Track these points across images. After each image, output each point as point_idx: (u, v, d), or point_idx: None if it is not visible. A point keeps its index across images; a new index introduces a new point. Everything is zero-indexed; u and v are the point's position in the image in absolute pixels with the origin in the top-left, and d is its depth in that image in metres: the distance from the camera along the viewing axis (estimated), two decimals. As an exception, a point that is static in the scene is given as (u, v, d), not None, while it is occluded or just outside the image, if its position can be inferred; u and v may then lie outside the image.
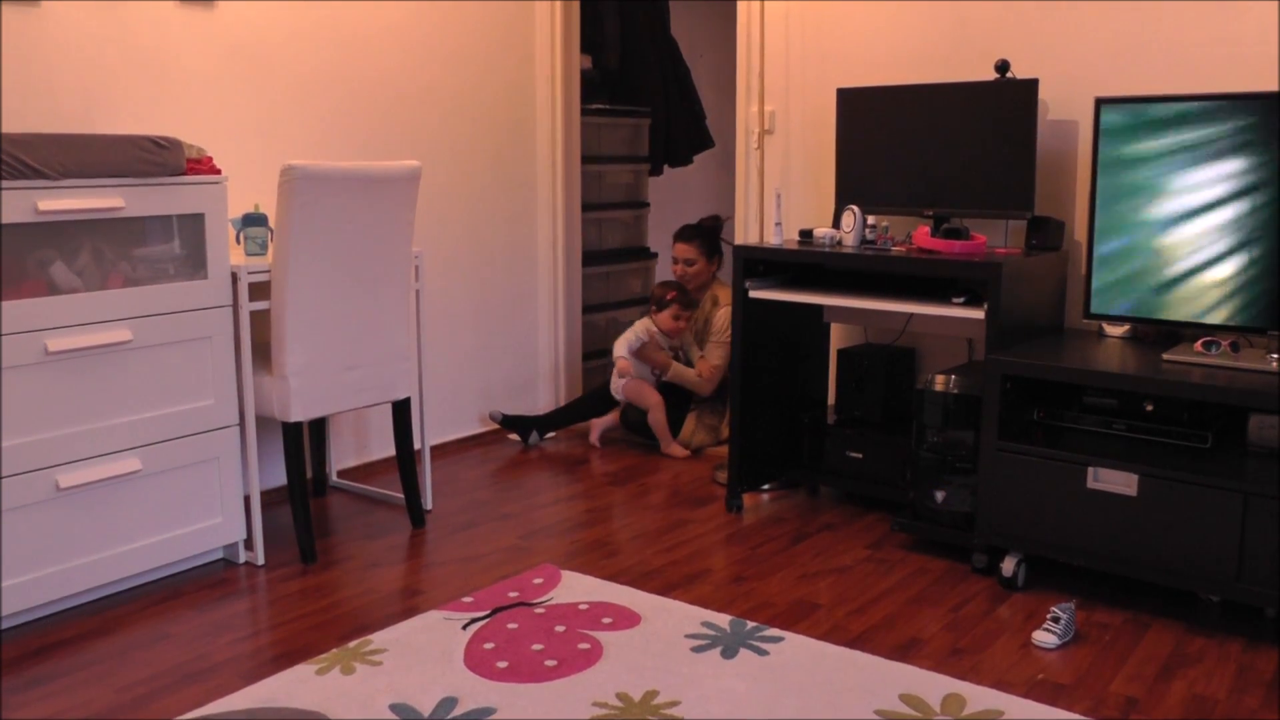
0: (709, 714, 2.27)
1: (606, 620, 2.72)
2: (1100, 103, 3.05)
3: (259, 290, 3.16)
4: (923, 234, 3.27)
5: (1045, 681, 2.46)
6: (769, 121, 4.04)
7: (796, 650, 2.56)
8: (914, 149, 3.45)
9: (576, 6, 4.65)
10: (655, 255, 5.65)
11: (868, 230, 3.39)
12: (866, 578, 3.06)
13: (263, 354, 3.22)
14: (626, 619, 2.73)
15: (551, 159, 4.67)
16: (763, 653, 2.54)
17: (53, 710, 2.33)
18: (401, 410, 3.43)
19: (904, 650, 2.61)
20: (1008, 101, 3.26)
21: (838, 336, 3.96)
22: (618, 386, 4.41)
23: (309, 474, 3.80)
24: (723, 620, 2.72)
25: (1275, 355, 2.78)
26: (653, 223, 5.72)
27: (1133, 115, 2.99)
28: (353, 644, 2.60)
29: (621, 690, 2.37)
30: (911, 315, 3.66)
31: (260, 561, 3.17)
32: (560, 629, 2.67)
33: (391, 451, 4.19)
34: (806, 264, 3.64)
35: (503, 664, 2.49)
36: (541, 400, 4.84)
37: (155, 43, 3.34)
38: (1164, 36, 3.22)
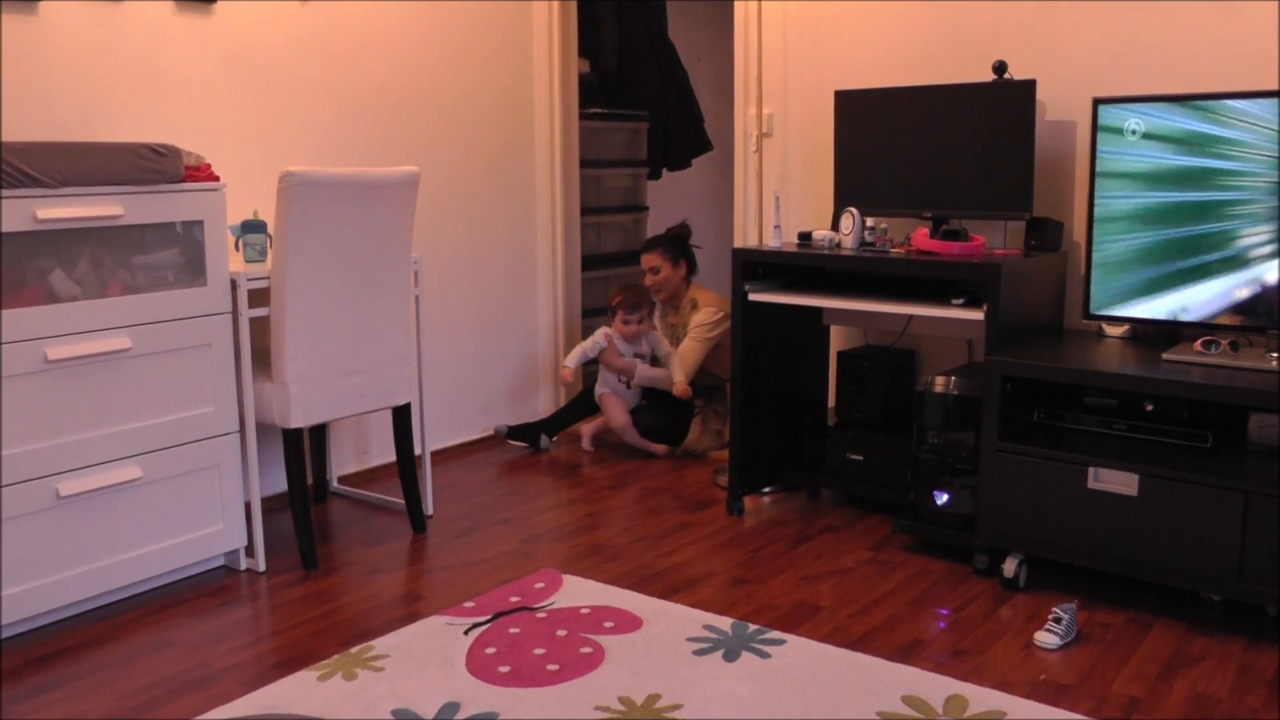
0: (711, 717, 2.27)
1: (608, 624, 2.72)
2: (1098, 103, 3.05)
3: (258, 297, 3.17)
4: (922, 235, 3.27)
5: (1047, 682, 2.46)
6: (767, 124, 4.04)
7: (798, 653, 2.56)
8: (912, 151, 3.45)
9: (574, 10, 4.66)
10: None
11: (867, 232, 3.39)
12: (868, 580, 3.06)
13: (263, 360, 3.22)
14: (628, 622, 2.73)
15: (550, 163, 4.67)
16: (765, 655, 2.54)
17: (54, 718, 2.33)
18: (402, 415, 3.43)
19: (906, 652, 2.60)
20: (1006, 102, 3.26)
21: (837, 338, 3.96)
22: (599, 394, 4.41)
23: (309, 480, 3.80)
24: (724, 623, 2.72)
25: (1275, 354, 2.78)
26: (652, 226, 5.72)
27: (1131, 115, 2.99)
28: (355, 650, 2.60)
29: (624, 694, 2.37)
30: (911, 317, 3.66)
31: (261, 568, 3.16)
32: (562, 633, 2.67)
33: (392, 457, 4.19)
34: (806, 266, 3.64)
35: (505, 668, 2.48)
36: (543, 404, 4.84)
37: (153, 50, 3.34)
38: (1162, 37, 3.22)
